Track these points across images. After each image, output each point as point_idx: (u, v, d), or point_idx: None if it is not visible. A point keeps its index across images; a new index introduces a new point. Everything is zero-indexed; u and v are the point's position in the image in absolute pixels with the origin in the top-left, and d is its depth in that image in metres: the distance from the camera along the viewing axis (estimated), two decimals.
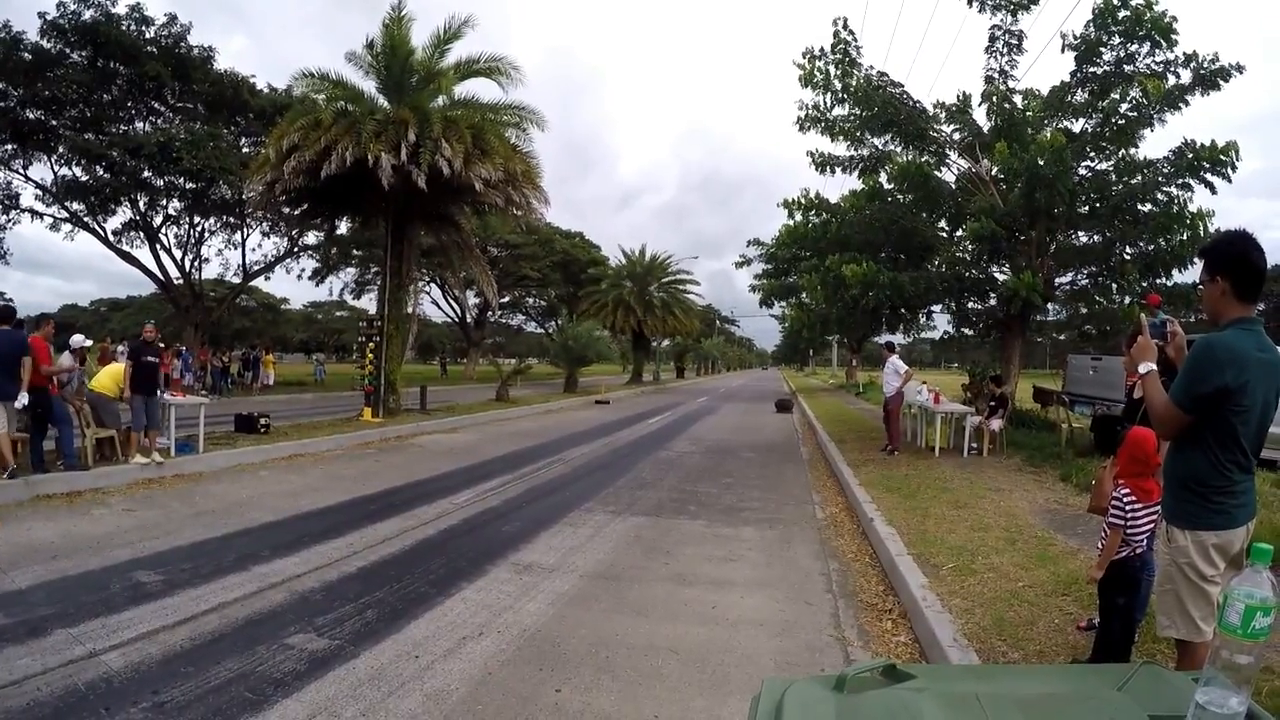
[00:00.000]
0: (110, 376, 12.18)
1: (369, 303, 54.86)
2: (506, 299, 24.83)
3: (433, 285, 53.46)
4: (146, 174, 30.01)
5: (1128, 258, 16.77)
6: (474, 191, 19.78)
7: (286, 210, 24.53)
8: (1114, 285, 17.33)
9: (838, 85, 17.09)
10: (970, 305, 19.53)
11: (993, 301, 18.14)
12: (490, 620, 6.01)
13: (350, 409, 23.19)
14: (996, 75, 17.47)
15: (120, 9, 28.23)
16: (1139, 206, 15.64)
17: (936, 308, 19.76)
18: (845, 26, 16.75)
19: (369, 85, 21.26)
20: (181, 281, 35.74)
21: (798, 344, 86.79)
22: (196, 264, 36.44)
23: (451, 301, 58.01)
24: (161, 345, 12.18)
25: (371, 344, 20.98)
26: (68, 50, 27.89)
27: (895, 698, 1.70)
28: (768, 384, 70.56)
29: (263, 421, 15.97)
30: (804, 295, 19.96)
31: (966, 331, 20.91)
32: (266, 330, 63.94)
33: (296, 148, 18.52)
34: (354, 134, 18.24)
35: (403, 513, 9.95)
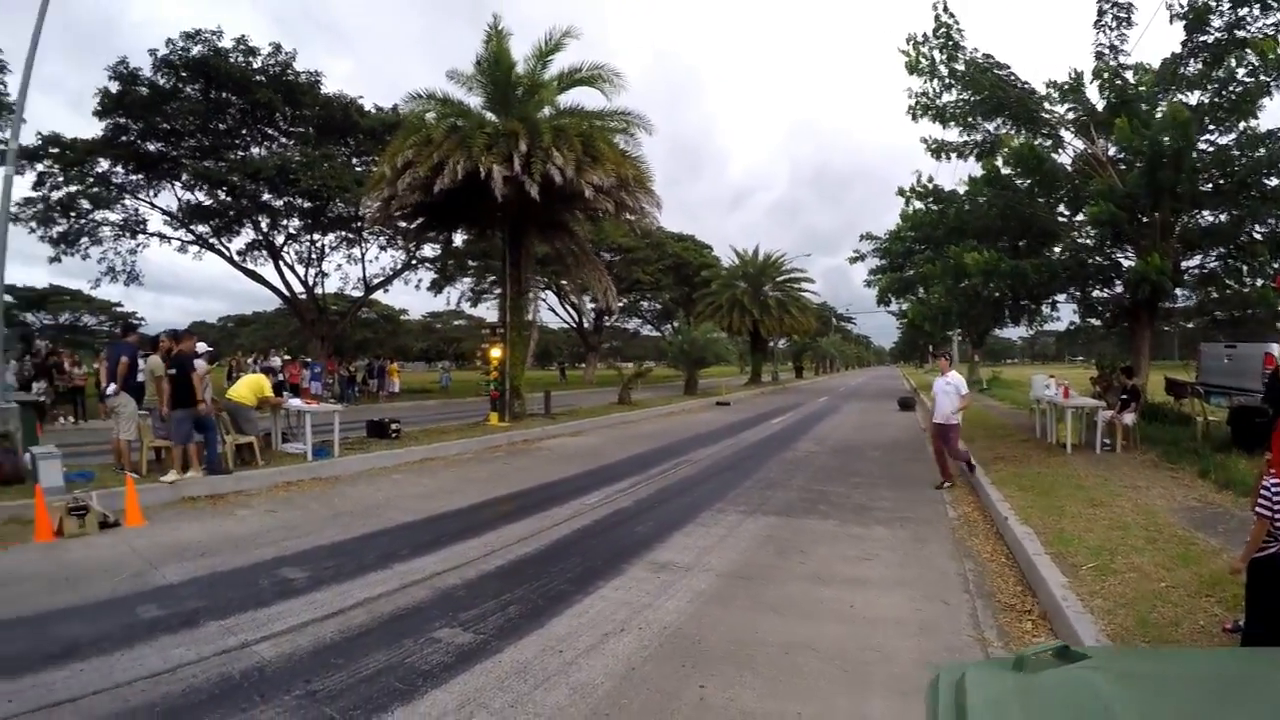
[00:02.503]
0: (248, 387, 12.92)
1: (486, 311, 56.48)
2: (622, 303, 25.00)
3: (549, 292, 54.52)
4: (266, 196, 32.05)
5: (1258, 237, 15.72)
6: (586, 198, 19.89)
7: (403, 225, 25.39)
8: (1244, 267, 16.31)
9: (944, 70, 16.53)
10: (1095, 293, 18.73)
11: (1119, 288, 17.44)
12: (630, 617, 6.10)
13: (474, 414, 23.92)
14: (1107, 50, 16.53)
15: (227, 42, 30.24)
16: (1265, 181, 14.52)
17: (1060, 297, 18.89)
18: (945, 9, 16.17)
19: (474, 100, 21.87)
20: (305, 296, 37.77)
21: (916, 340, 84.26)
22: (319, 279, 38.55)
23: (568, 308, 58.99)
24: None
25: (495, 351, 21.31)
26: (181, 85, 30.04)
27: (1074, 676, 1.71)
28: (887, 381, 68.88)
29: (394, 427, 16.47)
30: (921, 290, 19.37)
31: (1093, 321, 20.12)
32: (387, 340, 66.44)
33: (410, 164, 19.10)
34: (465, 148, 18.68)
35: (536, 514, 10.16)
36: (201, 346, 12.99)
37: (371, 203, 21.12)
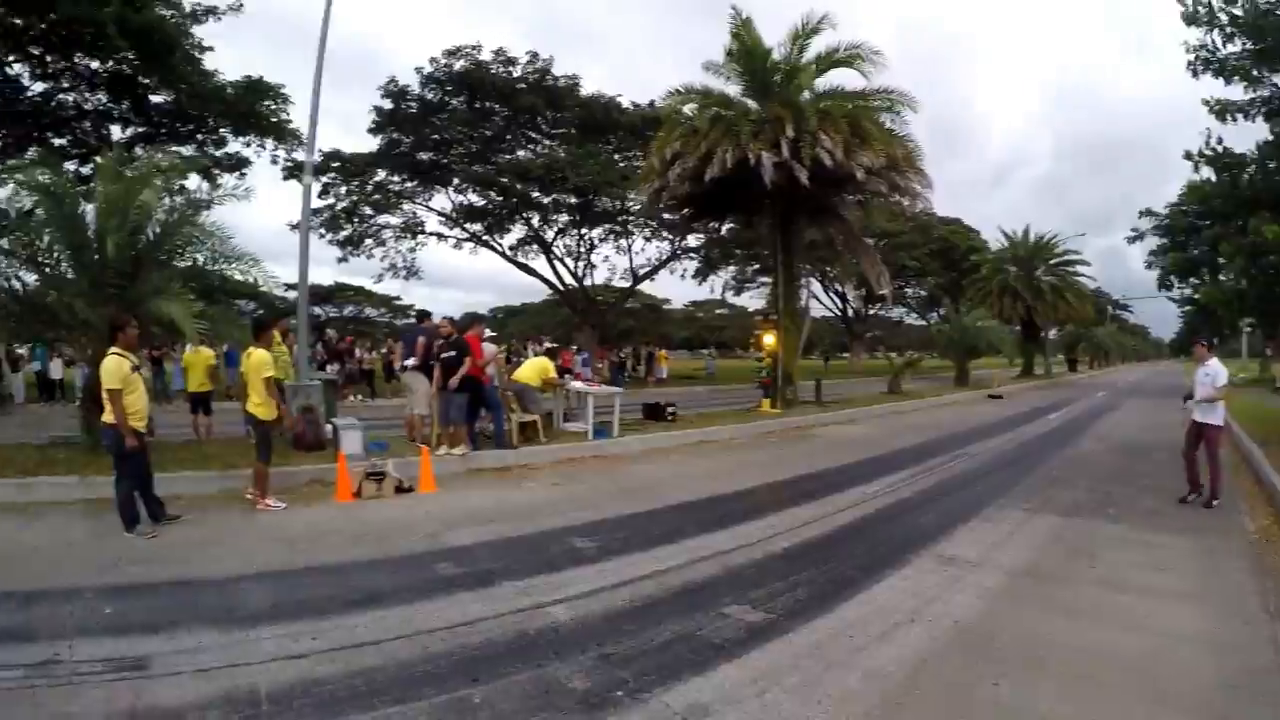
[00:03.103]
0: (533, 369, 13.30)
1: (749, 299, 56.33)
2: (885, 290, 24.01)
3: (812, 280, 53.21)
4: (535, 194, 33.70)
5: None
6: (855, 181, 19.18)
7: (669, 217, 25.67)
8: None
9: (1223, 18, 14.24)
10: None
11: None
12: (920, 609, 5.84)
13: (742, 401, 23.86)
14: None
15: (486, 55, 31.98)
16: None
17: None
18: None
19: (732, 90, 21.57)
20: (576, 287, 39.39)
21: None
22: (587, 271, 39.89)
23: (832, 295, 57.58)
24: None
25: (768, 338, 20.96)
26: (447, 98, 32.39)
27: None
28: (1170, 378, 60.69)
29: (669, 410, 16.50)
30: (1205, 272, 16.79)
31: None
32: (650, 329, 67.48)
33: (679, 155, 19.23)
34: (732, 136, 18.52)
35: (817, 499, 9.90)
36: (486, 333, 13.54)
37: (642, 195, 21.37)
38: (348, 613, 5.42)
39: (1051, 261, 51.35)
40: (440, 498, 9.51)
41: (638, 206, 35.27)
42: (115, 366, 7.29)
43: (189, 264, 11.09)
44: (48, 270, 10.27)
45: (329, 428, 11.61)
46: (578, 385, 15.47)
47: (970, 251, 55.48)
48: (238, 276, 11.43)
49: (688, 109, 21.26)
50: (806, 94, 20.83)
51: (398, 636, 4.99)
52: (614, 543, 7.53)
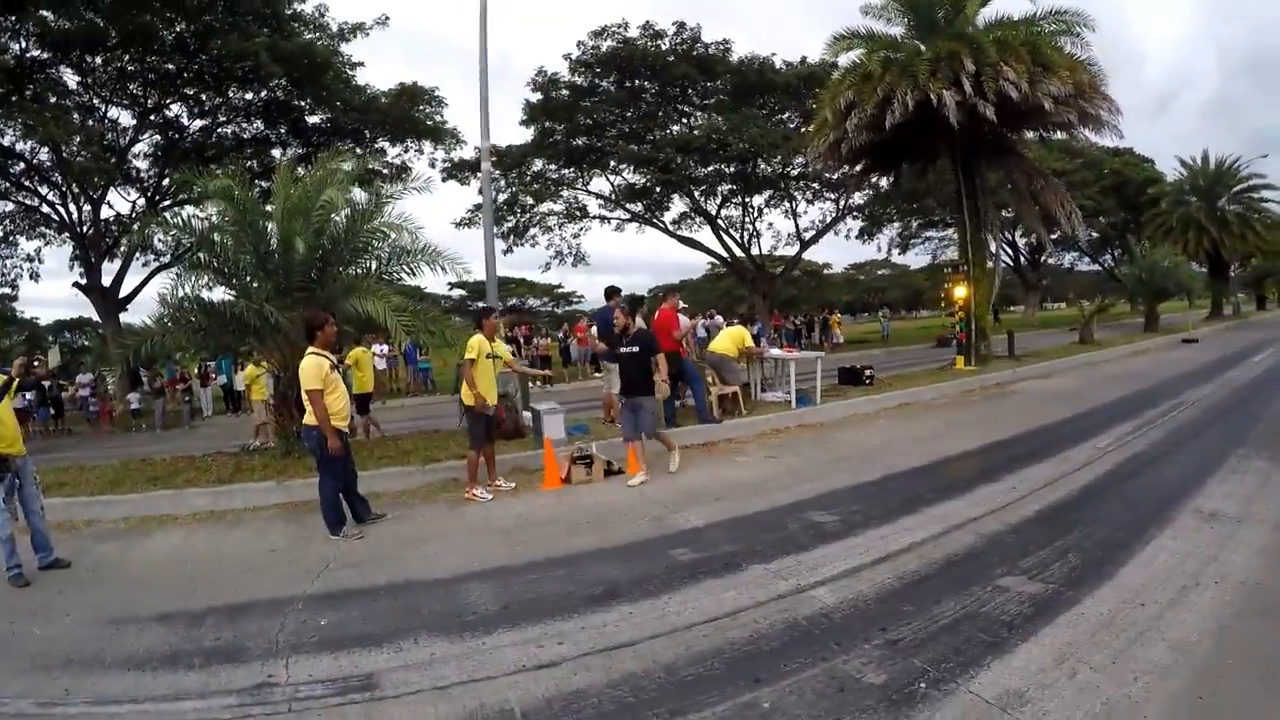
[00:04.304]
0: (730, 339, 12.66)
1: (914, 257, 54.04)
2: (1079, 231, 21.96)
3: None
4: (694, 166, 33.16)
5: None
6: (1043, 114, 17.79)
7: (841, 173, 24.52)
8: None
9: None
10: None
11: None
12: (1200, 570, 5.30)
13: (920, 361, 23.37)
14: None
15: (633, 32, 31.38)
16: None
17: None
18: None
19: (895, 31, 20.38)
20: (744, 257, 38.70)
21: None
22: (753, 239, 39.21)
23: (1001, 246, 54.64)
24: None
25: (959, 290, 19.63)
26: (597, 80, 32.08)
27: None
28: None
29: (867, 373, 15.62)
30: None
31: None
32: (812, 296, 66.15)
33: (853, 104, 18.23)
34: (909, 78, 17.37)
35: (1047, 457, 9.14)
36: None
37: (818, 149, 20.33)
38: (590, 610, 4.89)
39: (1235, 189, 46.59)
40: (653, 479, 8.85)
41: (797, 170, 34.49)
42: (315, 366, 6.99)
43: (374, 262, 10.85)
44: (235, 282, 10.22)
45: (527, 414, 11.22)
46: (776, 352, 14.70)
47: (1147, 184, 50.76)
48: (425, 269, 11.02)
49: (854, 55, 20.17)
50: (972, 27, 19.42)
51: (654, 635, 4.47)
52: (853, 515, 6.93)
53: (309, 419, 7.03)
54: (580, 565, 5.86)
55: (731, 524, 6.79)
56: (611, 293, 11.82)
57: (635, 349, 9.06)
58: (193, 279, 10.08)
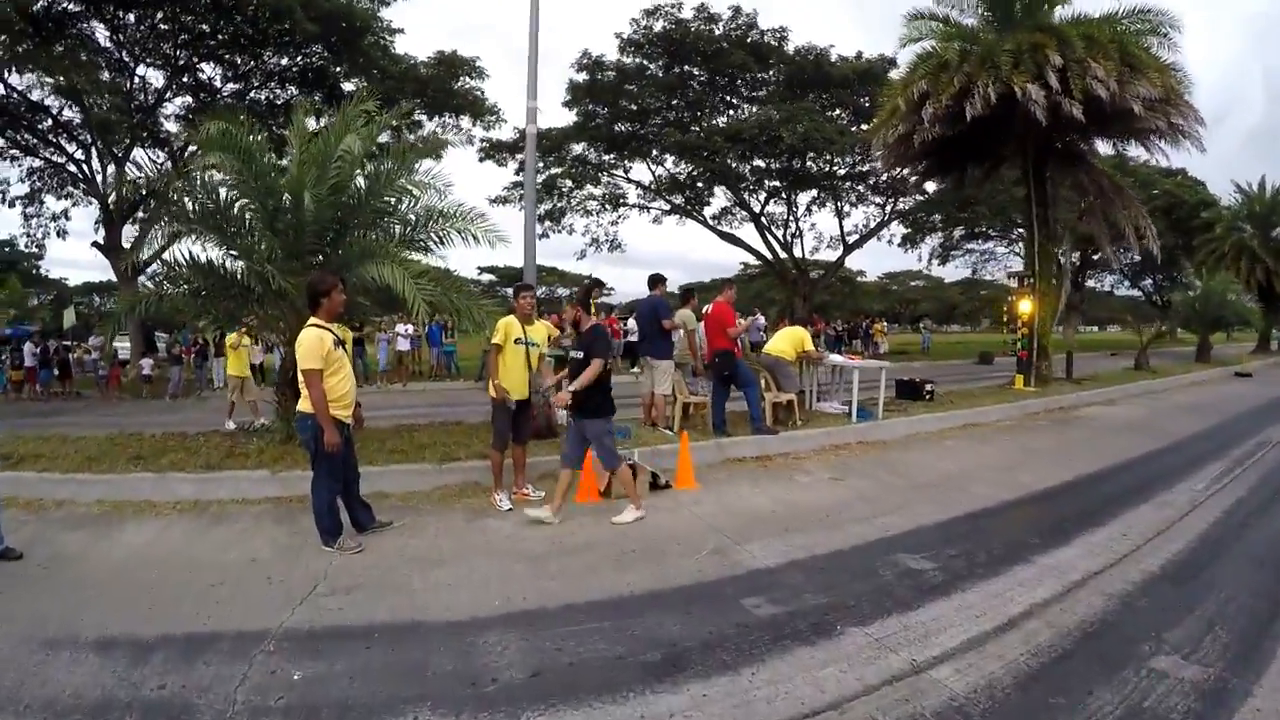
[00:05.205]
0: (787, 340, 11.56)
1: (953, 270, 52.77)
2: (1154, 247, 20.73)
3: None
4: (740, 160, 32.07)
5: None
6: (1129, 118, 16.53)
7: (908, 168, 23.28)
8: None
9: None
10: None
11: None
12: None
13: (968, 377, 22.92)
14: None
15: (687, 13, 30.18)
16: None
17: None
18: None
19: (968, 21, 19.22)
20: (786, 258, 37.54)
21: None
22: (796, 238, 38.07)
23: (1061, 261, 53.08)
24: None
25: (1024, 304, 18.45)
26: (646, 63, 30.94)
27: None
28: None
29: (928, 388, 14.52)
30: None
31: None
32: (845, 302, 65.05)
33: (927, 95, 16.95)
34: (989, 69, 16.19)
35: (1144, 499, 8.21)
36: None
37: (883, 141, 19.15)
38: (648, 687, 3.75)
39: None
40: (706, 497, 7.71)
41: (844, 170, 33.48)
42: (315, 341, 5.76)
43: (399, 225, 9.59)
44: (239, 241, 8.97)
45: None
46: (836, 359, 13.48)
47: (1200, 207, 49.22)
48: (455, 239, 9.71)
49: (927, 44, 18.99)
50: (1053, 17, 18.27)
51: None
52: (953, 562, 5.90)
53: (303, 404, 5.81)
54: (631, 614, 4.71)
55: (810, 565, 5.67)
56: (656, 281, 10.63)
57: (580, 355, 6.99)
58: (192, 237, 8.88)
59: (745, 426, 10.35)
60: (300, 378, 5.79)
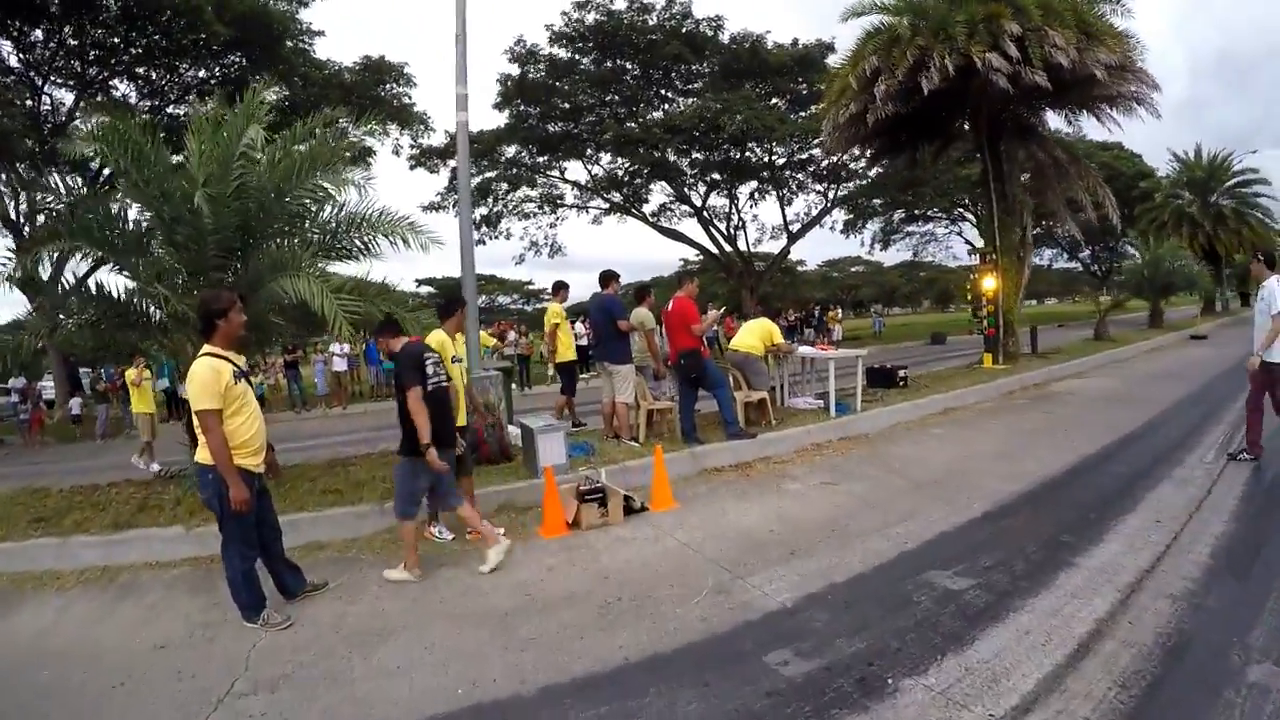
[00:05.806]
0: (754, 334, 10.85)
1: (894, 254, 53.06)
2: (1114, 217, 20.77)
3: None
4: (680, 151, 31.65)
5: None
6: (1090, 85, 16.49)
7: (857, 150, 22.77)
8: None
9: None
10: None
11: None
12: None
13: (920, 358, 22.83)
14: None
15: (620, 4, 29.61)
16: None
17: None
18: None
19: None
20: (731, 251, 37.26)
21: None
22: (738, 231, 37.87)
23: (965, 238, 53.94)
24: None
25: (987, 281, 18.35)
26: (578, 55, 30.26)
27: None
28: None
29: (901, 374, 14.01)
30: None
31: None
32: (786, 292, 65.29)
33: (879, 71, 16.46)
34: (947, 40, 15.81)
35: (1161, 478, 7.71)
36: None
37: (833, 123, 18.58)
38: None
39: (1228, 184, 46.61)
40: (690, 519, 6.74)
41: (783, 160, 33.29)
42: (209, 374, 4.67)
43: (316, 233, 8.44)
44: (131, 258, 7.73)
45: (514, 431, 8.96)
46: (807, 350, 12.72)
47: (1139, 178, 50.64)
48: (384, 244, 8.57)
49: (874, 19, 18.49)
50: None
51: None
52: (991, 575, 5.09)
53: (201, 454, 4.69)
54: (632, 693, 3.74)
55: (832, 598, 4.77)
56: (608, 278, 9.71)
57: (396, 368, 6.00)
58: (74, 251, 7.75)
59: (716, 430, 9.50)
60: (195, 421, 4.69)
